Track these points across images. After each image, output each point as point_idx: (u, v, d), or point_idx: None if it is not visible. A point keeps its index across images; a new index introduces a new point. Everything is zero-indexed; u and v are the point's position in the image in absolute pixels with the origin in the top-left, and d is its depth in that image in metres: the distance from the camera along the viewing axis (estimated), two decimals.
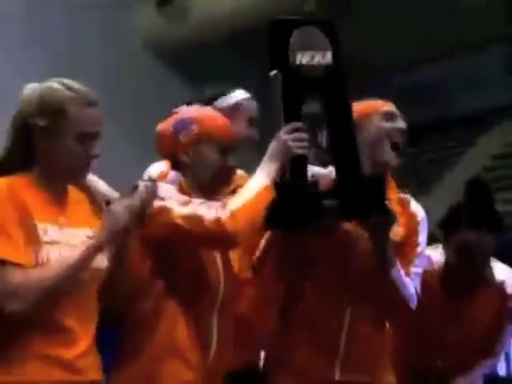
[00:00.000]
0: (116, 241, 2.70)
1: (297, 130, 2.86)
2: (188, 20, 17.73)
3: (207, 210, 2.77)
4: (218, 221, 2.72)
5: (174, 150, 2.93)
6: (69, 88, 2.72)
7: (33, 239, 2.59)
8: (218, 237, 2.77)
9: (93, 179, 2.96)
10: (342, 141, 3.00)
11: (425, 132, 15.62)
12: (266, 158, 2.91)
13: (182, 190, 2.87)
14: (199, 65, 18.00)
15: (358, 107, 3.21)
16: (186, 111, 2.94)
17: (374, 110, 3.21)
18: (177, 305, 2.79)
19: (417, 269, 3.39)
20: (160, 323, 2.77)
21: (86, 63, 15.60)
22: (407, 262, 3.37)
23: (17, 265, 2.55)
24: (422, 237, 3.39)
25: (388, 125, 3.16)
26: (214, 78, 18.40)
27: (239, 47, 18.22)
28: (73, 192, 2.79)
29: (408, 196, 3.38)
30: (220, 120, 2.95)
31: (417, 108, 16.41)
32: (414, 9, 16.45)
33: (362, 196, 2.93)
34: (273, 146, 2.90)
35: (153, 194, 2.79)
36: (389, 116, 3.18)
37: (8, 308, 2.54)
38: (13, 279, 2.55)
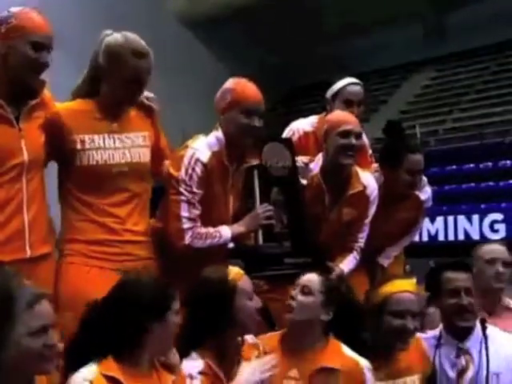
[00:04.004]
0: None
1: (267, 208, 3.10)
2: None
3: (188, 227, 2.92)
4: (182, 239, 2.93)
5: None
6: (127, 41, 2.80)
7: (72, 148, 2.79)
8: (175, 241, 2.96)
9: (145, 94, 3.03)
10: (295, 219, 3.28)
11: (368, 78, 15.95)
12: (240, 222, 3.07)
13: None
14: (216, 32, 18.34)
15: (322, 126, 3.50)
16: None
17: (332, 130, 3.38)
18: None
19: (360, 243, 3.51)
20: None
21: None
22: (352, 236, 3.49)
23: None
24: (372, 209, 3.49)
25: (342, 141, 3.33)
26: (225, 43, 18.75)
27: (245, 20, 18.60)
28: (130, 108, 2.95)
29: (364, 177, 3.47)
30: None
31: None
32: None
33: (310, 256, 3.20)
34: (249, 216, 3.09)
35: None
36: (344, 134, 3.34)
37: None
38: None
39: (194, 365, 2.42)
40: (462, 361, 2.91)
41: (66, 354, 2.15)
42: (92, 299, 2.30)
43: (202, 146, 2.99)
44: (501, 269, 3.35)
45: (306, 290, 2.75)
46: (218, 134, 3.03)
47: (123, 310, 2.20)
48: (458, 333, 2.97)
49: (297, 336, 2.74)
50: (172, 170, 2.98)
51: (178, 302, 2.28)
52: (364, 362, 2.72)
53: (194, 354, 2.48)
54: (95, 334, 2.18)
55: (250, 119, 3.00)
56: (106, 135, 2.85)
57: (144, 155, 2.94)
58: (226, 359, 2.52)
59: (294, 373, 2.68)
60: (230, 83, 3.07)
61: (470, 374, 2.88)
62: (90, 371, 2.11)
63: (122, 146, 2.87)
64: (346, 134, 3.33)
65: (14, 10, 2.71)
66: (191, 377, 2.38)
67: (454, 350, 2.95)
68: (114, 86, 2.83)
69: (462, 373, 2.89)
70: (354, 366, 2.70)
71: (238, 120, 3.00)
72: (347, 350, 2.74)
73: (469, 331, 2.96)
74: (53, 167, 2.95)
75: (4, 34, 2.66)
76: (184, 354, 2.44)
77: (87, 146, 2.80)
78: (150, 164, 2.98)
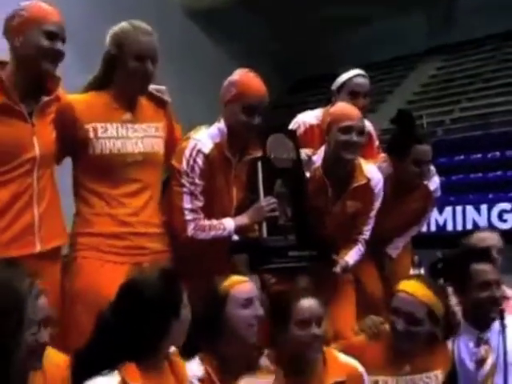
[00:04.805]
0: None
1: (271, 201, 3.05)
2: None
3: (191, 218, 2.90)
4: (185, 231, 2.91)
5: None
6: (132, 25, 2.86)
7: (85, 138, 2.80)
8: (179, 233, 2.94)
9: (155, 87, 3.05)
10: (299, 211, 3.22)
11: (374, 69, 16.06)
12: (244, 214, 3.04)
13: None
14: (222, 22, 18.52)
15: (326, 119, 3.45)
16: None
17: (334, 124, 3.32)
18: None
19: (365, 235, 3.47)
20: None
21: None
22: (357, 229, 3.46)
23: None
24: (377, 201, 3.45)
25: (344, 137, 3.27)
26: (231, 35, 18.82)
27: (250, 11, 18.72)
28: (142, 99, 2.98)
29: (368, 170, 3.41)
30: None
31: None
32: None
33: (315, 250, 3.16)
34: (253, 209, 3.05)
35: None
36: (346, 130, 3.28)
37: None
38: None
39: (194, 370, 2.40)
40: (482, 351, 2.89)
41: (78, 358, 2.12)
42: (105, 294, 2.28)
43: (204, 137, 2.96)
44: (495, 256, 3.28)
45: (321, 323, 2.65)
46: (220, 125, 3.01)
47: (138, 314, 2.12)
48: (479, 323, 2.94)
49: (301, 361, 2.66)
50: (174, 162, 2.97)
51: (186, 295, 2.22)
52: (359, 365, 2.72)
53: (197, 358, 2.46)
54: (111, 339, 2.10)
55: (250, 118, 2.97)
56: (119, 124, 2.86)
57: (157, 146, 2.95)
58: (226, 368, 2.49)
59: None
60: (236, 75, 3.05)
61: (489, 364, 2.85)
62: (112, 380, 2.05)
63: (135, 136, 2.87)
64: (348, 130, 3.27)
65: (24, 3, 2.74)
66: (190, 383, 2.36)
67: (473, 340, 2.93)
68: (126, 71, 2.84)
69: (481, 363, 2.87)
70: (354, 372, 2.70)
71: (238, 116, 2.97)
72: (342, 357, 2.72)
73: (491, 321, 2.93)
74: (65, 162, 2.96)
75: (16, 27, 2.68)
76: (189, 356, 2.42)
77: (100, 135, 2.81)
78: (162, 155, 2.98)
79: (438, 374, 2.87)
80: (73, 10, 13.86)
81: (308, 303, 2.64)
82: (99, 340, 2.13)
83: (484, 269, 2.95)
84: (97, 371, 2.05)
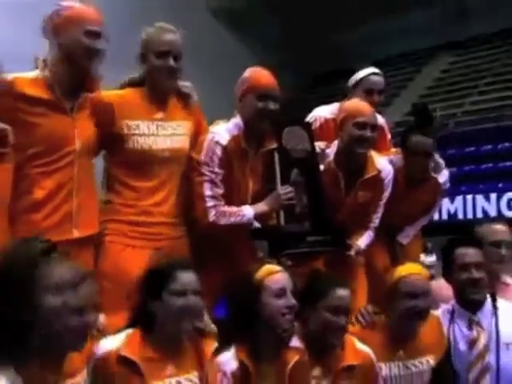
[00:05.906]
0: None
1: (288, 190, 3.12)
2: None
3: (212, 205, 2.99)
4: (207, 217, 3.01)
5: None
6: (156, 26, 3.04)
7: (119, 134, 2.96)
8: (201, 220, 3.04)
9: (184, 83, 3.18)
10: (315, 199, 3.28)
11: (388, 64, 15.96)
12: (263, 202, 3.11)
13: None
14: (244, 23, 18.47)
15: (340, 114, 3.53)
16: None
17: (348, 119, 3.42)
18: None
19: (374, 223, 3.57)
20: None
21: None
22: (367, 217, 3.56)
23: None
24: (387, 191, 3.54)
25: (358, 133, 3.37)
26: (251, 31, 18.91)
27: (269, 10, 18.83)
28: (173, 98, 3.11)
29: (379, 162, 3.49)
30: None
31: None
32: None
33: (330, 235, 3.23)
34: (270, 197, 3.12)
35: None
36: (360, 125, 3.37)
37: None
38: None
39: (228, 363, 2.44)
40: (474, 332, 2.95)
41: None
42: (126, 274, 2.56)
43: (221, 130, 3.08)
44: (504, 252, 3.32)
45: (348, 315, 2.70)
46: (236, 120, 3.13)
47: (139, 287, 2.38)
48: (469, 306, 3.01)
49: (322, 342, 2.70)
50: (194, 154, 3.08)
51: (180, 283, 2.32)
52: (372, 354, 2.76)
53: (232, 349, 2.48)
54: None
55: (265, 103, 3.08)
56: (150, 122, 3.00)
57: (183, 143, 3.09)
58: (260, 356, 2.50)
59: (317, 372, 2.66)
60: (246, 72, 3.19)
61: (480, 344, 2.91)
62: (112, 345, 2.26)
63: (163, 134, 3.01)
64: (362, 125, 3.37)
65: (64, 3, 2.86)
66: (224, 374, 2.42)
67: (466, 322, 2.99)
68: (152, 69, 2.99)
69: (472, 343, 2.93)
70: (366, 358, 2.75)
71: (254, 104, 3.08)
72: (359, 344, 2.76)
73: (480, 304, 3.00)
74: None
75: (61, 25, 2.81)
76: (224, 346, 2.48)
77: (132, 132, 2.96)
78: (187, 151, 3.10)
79: (430, 359, 2.90)
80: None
81: (344, 293, 2.68)
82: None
83: (464, 252, 3.02)
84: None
